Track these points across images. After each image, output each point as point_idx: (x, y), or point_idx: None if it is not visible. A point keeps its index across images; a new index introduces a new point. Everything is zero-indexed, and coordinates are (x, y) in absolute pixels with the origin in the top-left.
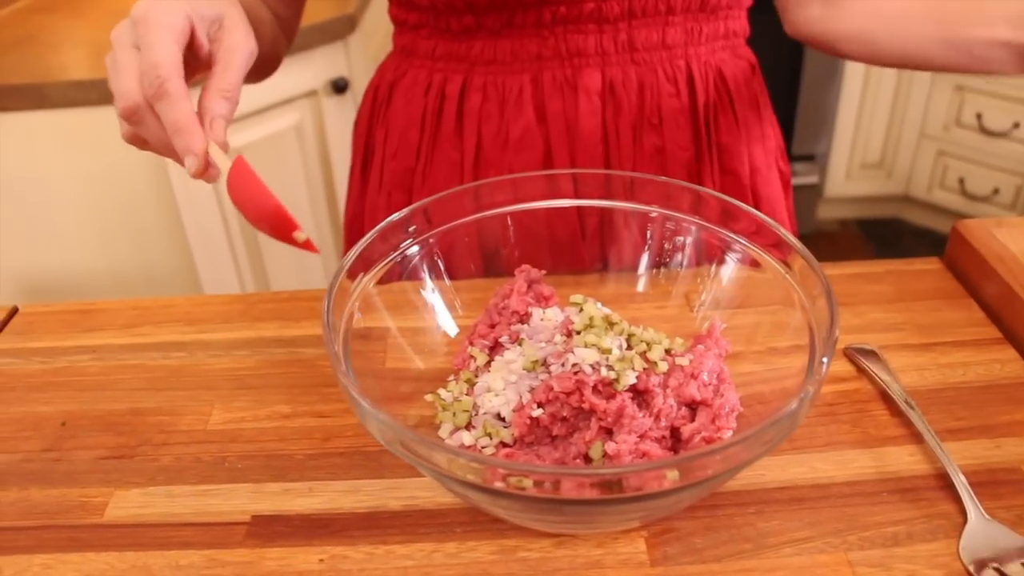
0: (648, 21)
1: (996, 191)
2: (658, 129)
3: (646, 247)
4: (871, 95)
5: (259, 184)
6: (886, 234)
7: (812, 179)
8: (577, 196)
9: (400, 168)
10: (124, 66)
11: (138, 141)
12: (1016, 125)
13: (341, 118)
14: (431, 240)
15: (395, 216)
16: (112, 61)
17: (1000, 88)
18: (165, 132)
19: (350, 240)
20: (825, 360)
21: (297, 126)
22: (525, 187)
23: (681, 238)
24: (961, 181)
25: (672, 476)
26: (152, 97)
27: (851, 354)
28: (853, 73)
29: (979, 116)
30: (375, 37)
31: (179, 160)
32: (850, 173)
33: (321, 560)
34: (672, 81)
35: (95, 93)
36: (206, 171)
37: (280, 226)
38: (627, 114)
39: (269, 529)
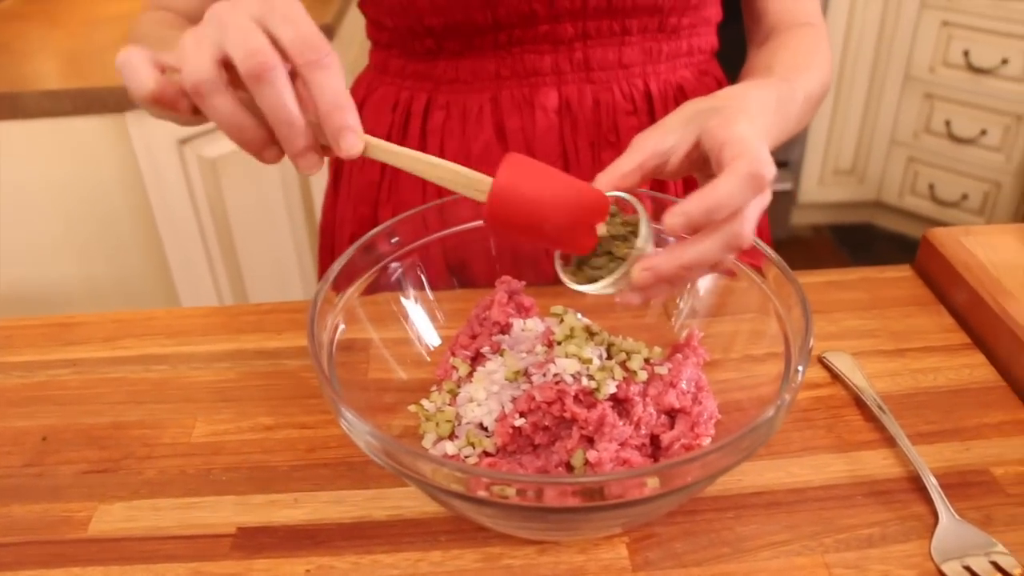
0: (603, 41)
1: (965, 196)
2: (615, 146)
3: None
4: (843, 102)
5: (553, 171)
6: (858, 239)
7: (786, 185)
8: None
9: (365, 182)
10: (243, 24)
11: (219, 112)
12: (983, 132)
13: None
14: (408, 254)
15: (376, 230)
16: (209, 30)
17: (968, 96)
18: (288, 100)
19: (324, 250)
20: (800, 369)
21: None
22: None
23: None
24: (931, 187)
25: (653, 483)
26: (309, 64)
27: (825, 361)
28: None
29: (948, 123)
30: (351, 48)
31: (276, 137)
32: (823, 179)
33: (307, 571)
34: (629, 99)
35: (70, 103)
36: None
37: (589, 213)
38: (584, 131)
39: (255, 541)
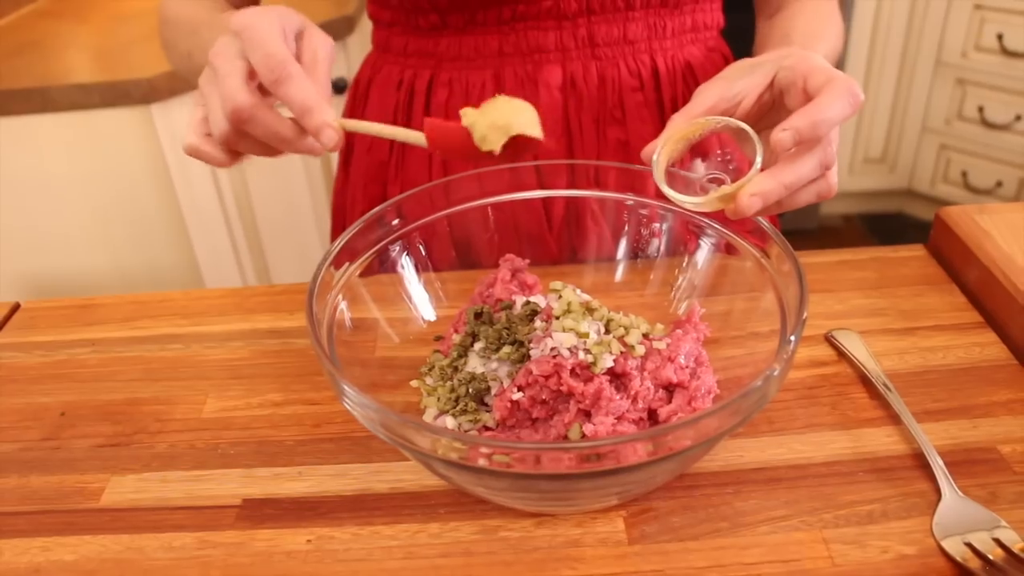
0: (608, 17)
1: (999, 184)
2: (621, 123)
3: (623, 234)
4: (872, 89)
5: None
6: (890, 229)
7: None
8: (542, 187)
9: (374, 161)
10: (228, 70)
11: (225, 149)
12: (1018, 118)
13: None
14: (410, 233)
15: (376, 209)
16: (210, 73)
17: (1002, 81)
18: (274, 124)
19: (336, 231)
20: (793, 338)
21: None
22: (490, 181)
23: (657, 224)
24: (964, 174)
25: (646, 448)
26: (275, 82)
27: (832, 339)
28: (855, 67)
29: (981, 109)
30: None
31: (280, 151)
32: (853, 168)
33: (309, 541)
34: (635, 75)
35: (98, 96)
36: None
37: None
38: (589, 108)
39: (259, 512)
